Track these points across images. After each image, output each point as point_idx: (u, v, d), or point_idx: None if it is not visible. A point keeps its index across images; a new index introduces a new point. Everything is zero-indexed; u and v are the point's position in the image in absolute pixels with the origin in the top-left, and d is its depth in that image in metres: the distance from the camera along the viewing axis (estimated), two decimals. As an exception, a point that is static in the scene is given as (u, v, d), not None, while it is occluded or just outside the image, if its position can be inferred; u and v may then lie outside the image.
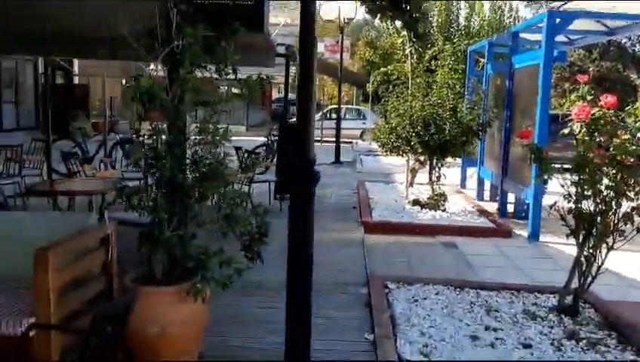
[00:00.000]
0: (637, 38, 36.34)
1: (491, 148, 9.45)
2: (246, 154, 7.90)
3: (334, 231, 7.17)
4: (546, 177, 4.27)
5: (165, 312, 2.93)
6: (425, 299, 4.65)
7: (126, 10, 2.91)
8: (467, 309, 4.44)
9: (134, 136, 3.02)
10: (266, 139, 12.62)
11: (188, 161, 3.10)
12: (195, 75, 3.19)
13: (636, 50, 36.63)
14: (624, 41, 36.19)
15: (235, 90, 3.21)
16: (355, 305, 4.57)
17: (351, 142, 21.03)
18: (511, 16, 21.72)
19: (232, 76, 3.36)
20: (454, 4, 22.22)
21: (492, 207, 9.00)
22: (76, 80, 21.94)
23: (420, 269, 5.77)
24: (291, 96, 26.84)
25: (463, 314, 4.35)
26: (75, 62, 20.76)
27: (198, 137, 3.07)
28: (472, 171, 10.81)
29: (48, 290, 2.75)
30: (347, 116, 24.27)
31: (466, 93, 8.93)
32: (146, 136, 3.00)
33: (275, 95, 32.56)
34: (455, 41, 19.38)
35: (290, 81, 12.93)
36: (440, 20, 21.66)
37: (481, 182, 10.11)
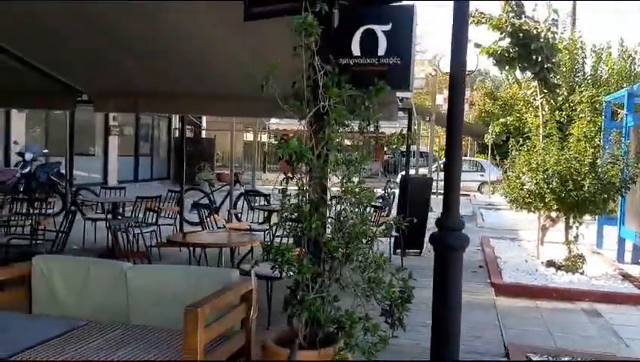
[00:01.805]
0: None
1: (634, 205, 8.61)
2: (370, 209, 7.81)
3: (463, 292, 6.79)
4: None
5: (306, 377, 2.84)
6: (575, 376, 4.19)
7: (277, 72, 2.99)
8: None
9: (281, 195, 3.04)
10: (383, 192, 12.53)
11: (332, 220, 3.07)
12: (339, 134, 3.20)
13: None
14: None
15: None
16: (497, 379, 4.22)
17: (469, 195, 20.36)
18: (642, 63, 20.22)
19: (372, 133, 3.34)
20: (579, 53, 21.17)
21: (636, 270, 8.12)
22: (203, 134, 23.51)
23: (563, 339, 5.25)
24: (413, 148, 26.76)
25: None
26: (204, 117, 22.31)
27: (343, 196, 3.03)
28: (609, 230, 9.90)
29: (196, 348, 2.78)
30: (464, 168, 23.64)
31: (605, 146, 8.30)
32: (292, 195, 3.02)
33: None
34: (582, 90, 18.33)
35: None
36: (565, 70, 20.67)
37: (622, 243, 9.20)
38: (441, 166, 22.48)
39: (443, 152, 19.49)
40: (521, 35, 8.23)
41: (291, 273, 2.89)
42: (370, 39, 3.28)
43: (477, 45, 8.71)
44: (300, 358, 2.88)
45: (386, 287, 2.95)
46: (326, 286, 2.97)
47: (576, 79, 20.45)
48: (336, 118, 3.11)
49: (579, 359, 4.49)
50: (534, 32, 8.17)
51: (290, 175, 2.96)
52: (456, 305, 2.98)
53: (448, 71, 11.33)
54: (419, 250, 9.03)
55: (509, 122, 22.09)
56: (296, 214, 2.99)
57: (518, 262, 8.36)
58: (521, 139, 8.38)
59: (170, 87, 7.05)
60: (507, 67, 8.47)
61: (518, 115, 21.91)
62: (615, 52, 21.50)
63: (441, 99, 17.54)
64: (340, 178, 3.20)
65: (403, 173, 12.41)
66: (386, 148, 31.94)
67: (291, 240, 3.23)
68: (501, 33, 8.32)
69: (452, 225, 3.02)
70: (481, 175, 22.22)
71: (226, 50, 5.48)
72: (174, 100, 7.57)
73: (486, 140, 23.32)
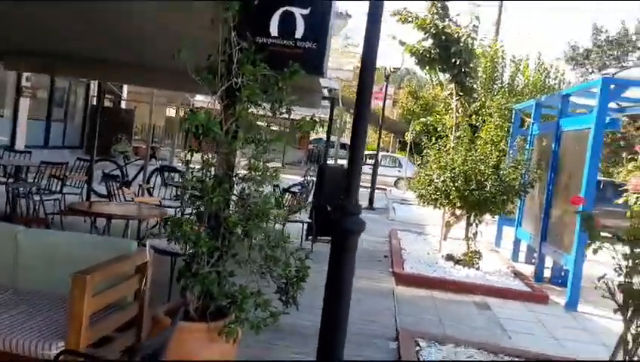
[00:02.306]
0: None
1: (531, 209, 9.24)
2: (284, 193, 7.88)
3: (364, 279, 7.02)
4: (595, 247, 4.10)
5: (194, 349, 2.86)
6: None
7: (190, 43, 2.95)
8: (501, 377, 4.24)
9: (185, 167, 3.02)
10: (302, 179, 12.64)
11: (234, 197, 3.08)
12: (250, 112, 3.21)
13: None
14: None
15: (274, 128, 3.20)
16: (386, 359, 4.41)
17: (385, 189, 20.95)
18: (556, 77, 21.60)
19: (285, 116, 3.38)
20: (500, 61, 22.24)
21: (528, 269, 8.72)
22: (123, 104, 22.60)
23: (452, 328, 5.57)
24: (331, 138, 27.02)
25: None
26: (125, 87, 21.44)
27: (247, 174, 3.05)
28: (508, 231, 10.56)
29: (82, 315, 2.72)
30: (383, 163, 24.25)
31: (510, 151, 8.80)
32: (195, 169, 3.00)
33: (312, 135, 32.90)
34: (498, 98, 19.30)
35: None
36: (485, 77, 21.66)
37: (517, 243, 9.85)
38: (365, 159, 23.03)
39: (369, 146, 19.67)
40: (443, 37, 8.54)
41: (188, 246, 2.88)
42: (288, 21, 3.31)
43: (402, 43, 8.95)
44: (189, 330, 2.89)
45: (282, 266, 3.01)
46: (223, 261, 2.99)
47: (495, 86, 21.50)
48: (249, 95, 3.12)
49: (462, 346, 4.78)
50: (455, 35, 8.50)
51: (194, 148, 2.94)
52: (348, 289, 3.09)
53: (375, 66, 11.47)
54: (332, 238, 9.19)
55: (428, 122, 22.86)
56: (199, 188, 2.98)
57: (420, 255, 8.73)
58: (433, 138, 8.72)
59: (89, 52, 6.70)
60: (427, 67, 8.77)
61: (438, 115, 22.75)
62: (532, 64, 22.77)
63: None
64: (248, 156, 3.22)
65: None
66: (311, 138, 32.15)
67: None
68: (425, 34, 8.60)
69: (350, 209, 3.12)
70: (399, 171, 22.93)
71: (149, 16, 5.30)
72: (93, 65, 7.20)
73: (406, 138, 24.06)
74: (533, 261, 8.75)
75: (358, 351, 4.48)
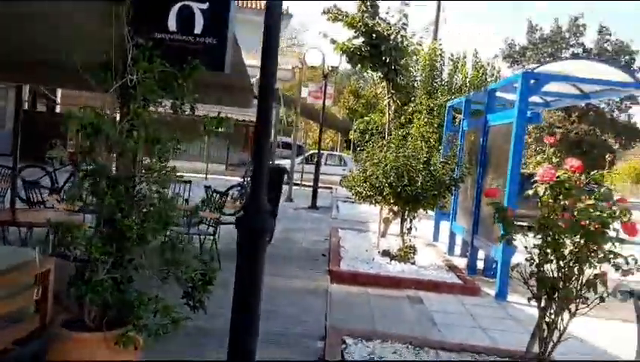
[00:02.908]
0: (615, 104, 37.48)
1: (464, 203, 9.42)
2: (216, 195, 7.74)
3: (299, 279, 6.99)
4: (509, 237, 4.18)
5: (90, 360, 2.72)
6: (382, 358, 4.45)
7: (82, 39, 2.81)
8: (424, 371, 4.26)
9: (77, 170, 2.86)
10: (242, 180, 12.50)
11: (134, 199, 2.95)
12: (147, 110, 3.08)
13: (614, 115, 37.71)
14: (602, 106, 37.32)
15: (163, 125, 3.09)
16: (309, 360, 4.36)
17: (331, 188, 21.00)
18: (492, 75, 22.20)
19: (189, 113, 3.27)
20: (438, 60, 22.70)
21: (462, 262, 8.88)
22: (58, 108, 21.79)
23: (383, 324, 5.58)
24: (280, 138, 26.93)
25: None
26: (59, 91, 20.65)
27: (142, 175, 2.92)
28: (445, 225, 10.75)
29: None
30: (329, 162, 24.34)
31: (441, 147, 8.95)
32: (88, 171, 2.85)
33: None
34: (438, 96, 19.69)
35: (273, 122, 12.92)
36: (424, 75, 22.05)
37: (452, 237, 10.03)
38: (310, 158, 23.06)
39: (316, 145, 19.48)
40: (373, 35, 8.59)
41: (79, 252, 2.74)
42: (187, 16, 3.20)
43: (332, 41, 8.95)
44: (85, 340, 2.74)
45: (187, 269, 2.90)
46: (122, 267, 2.86)
47: (434, 85, 21.92)
48: (145, 93, 3.00)
49: (389, 341, 4.79)
50: (385, 33, 8.57)
51: (77, 150, 2.79)
52: (256, 289, 3.01)
53: (313, 64, 11.53)
54: (269, 239, 9.12)
55: (371, 120, 23.11)
56: (92, 191, 2.83)
57: (359, 252, 8.75)
58: (367, 135, 8.77)
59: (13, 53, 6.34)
60: (359, 65, 8.79)
61: (381, 113, 23.03)
62: (470, 63, 23.33)
63: (305, 92, 17.93)
64: (152, 157, 3.09)
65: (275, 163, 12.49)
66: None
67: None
68: (355, 32, 8.62)
69: (257, 208, 3.04)
70: (344, 169, 23.03)
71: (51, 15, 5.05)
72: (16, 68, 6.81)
73: (350, 136, 24.23)
74: (467, 254, 8.91)
75: (281, 352, 4.42)
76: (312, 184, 15.67)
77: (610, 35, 37.18)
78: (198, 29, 3.19)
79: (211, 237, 7.15)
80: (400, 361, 4.40)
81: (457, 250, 9.92)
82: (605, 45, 36.84)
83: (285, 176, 10.69)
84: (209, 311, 3.52)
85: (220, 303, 3.30)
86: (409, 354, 4.56)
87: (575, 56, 32.43)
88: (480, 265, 8.50)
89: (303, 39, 41.05)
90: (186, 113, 3.26)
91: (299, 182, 19.66)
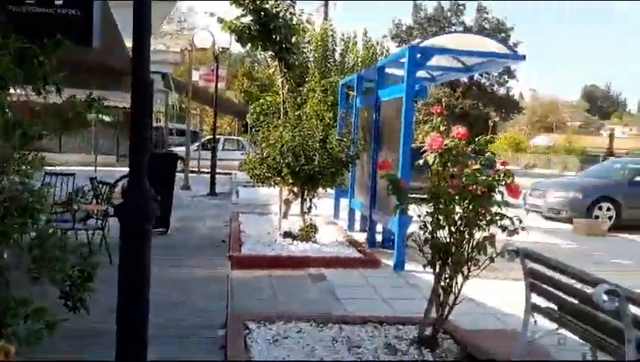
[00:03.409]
0: (495, 79, 40.06)
1: (361, 179, 9.58)
2: (103, 186, 7.24)
3: (198, 268, 6.75)
4: (403, 207, 4.25)
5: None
6: (286, 338, 4.39)
7: None
8: (329, 347, 4.24)
9: None
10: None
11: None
12: (6, 92, 2.74)
13: (494, 89, 40.32)
14: (483, 81, 39.74)
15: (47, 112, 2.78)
16: (210, 350, 4.20)
17: (230, 174, 20.62)
18: (382, 53, 22.79)
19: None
20: (330, 40, 22.90)
21: (362, 237, 9.05)
22: None
23: (286, 305, 5.52)
24: (174, 125, 25.96)
25: (324, 352, 4.14)
26: None
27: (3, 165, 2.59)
28: (344, 202, 10.90)
29: None
30: (227, 146, 23.88)
31: (337, 125, 9.00)
32: None
33: (154, 124, 31.39)
34: (331, 75, 19.86)
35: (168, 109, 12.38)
36: (317, 55, 22.16)
37: (352, 213, 10.20)
38: (207, 143, 22.44)
39: (210, 130, 18.97)
40: (262, 13, 8.39)
41: None
42: (44, -15, 2.86)
43: (220, 20, 8.65)
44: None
45: (62, 266, 2.62)
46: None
47: (328, 65, 22.12)
48: (0, 72, 2.65)
49: (293, 321, 4.73)
50: (274, 11, 8.40)
51: None
52: (145, 281, 2.80)
53: (203, 46, 11.10)
54: (165, 229, 8.75)
55: (268, 102, 22.92)
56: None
57: (260, 235, 8.63)
58: (262, 116, 8.62)
59: None
60: (249, 44, 8.58)
61: (277, 94, 22.87)
62: (360, 42, 23.76)
63: (196, 75, 17.34)
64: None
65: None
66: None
67: None
68: (243, 10, 8.38)
69: (138, 195, 2.82)
70: (242, 153, 22.70)
71: None
72: None
73: (248, 119, 23.88)
74: (367, 229, 9.09)
75: (181, 345, 4.23)
76: (209, 170, 15.27)
77: (487, 13, 39.54)
78: (59, 0, 2.86)
79: (101, 232, 6.71)
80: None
81: (357, 225, 10.11)
82: (484, 23, 39.11)
83: (180, 163, 10.29)
84: (100, 310, 3.27)
85: (113, 300, 3.05)
86: (313, 331, 4.54)
87: (459, 31, 34.14)
88: (379, 238, 8.71)
89: (194, 22, 39.72)
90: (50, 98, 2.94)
91: (196, 169, 19.11)
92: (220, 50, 13.68)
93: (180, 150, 17.35)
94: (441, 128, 4.21)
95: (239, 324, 4.58)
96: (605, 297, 2.83)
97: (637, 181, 12.80)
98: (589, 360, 3.48)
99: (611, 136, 63.78)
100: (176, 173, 9.44)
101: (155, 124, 30.53)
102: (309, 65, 21.21)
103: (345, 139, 8.32)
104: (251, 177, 8.68)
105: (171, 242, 8.20)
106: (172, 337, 4.36)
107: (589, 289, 3.10)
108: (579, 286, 3.33)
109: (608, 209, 12.41)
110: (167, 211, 8.76)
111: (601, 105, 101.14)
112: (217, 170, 15.94)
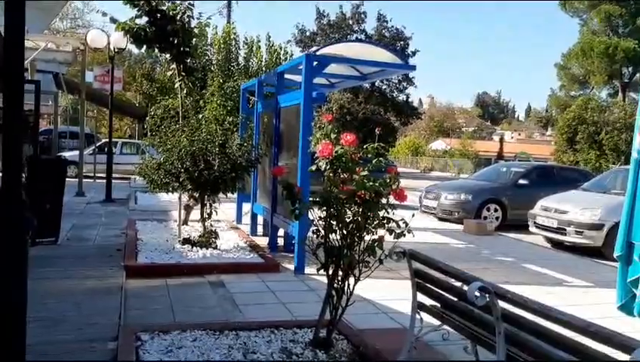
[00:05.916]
0: (395, 86, 41.62)
1: (263, 183, 9.61)
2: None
3: (91, 279, 6.45)
4: (297, 212, 4.33)
5: None
6: (180, 347, 4.31)
7: None
8: (224, 355, 4.22)
9: None
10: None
11: None
12: None
13: (394, 95, 41.90)
14: (384, 87, 41.18)
15: None
16: (99, 365, 4.04)
17: (129, 179, 19.82)
18: (286, 58, 23.00)
19: None
20: (234, 43, 22.76)
21: (265, 241, 9.07)
22: None
23: (183, 314, 5.42)
24: (68, 128, 24.48)
25: (219, 359, 4.12)
26: None
27: None
28: (247, 207, 10.86)
29: None
30: (124, 150, 22.93)
31: (238, 130, 8.96)
32: None
33: (44, 126, 29.48)
34: (235, 79, 19.73)
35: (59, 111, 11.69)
36: (219, 58, 21.93)
37: (254, 218, 10.19)
38: (103, 147, 21.39)
39: (107, 134, 18.03)
40: (158, 15, 8.18)
41: None
42: None
43: (113, 20, 8.32)
44: None
45: None
46: None
47: (231, 68, 21.96)
48: None
49: (188, 330, 4.66)
50: (171, 14, 8.22)
51: None
52: (22, 292, 2.65)
53: (97, 46, 10.57)
54: (54, 239, 8.26)
55: (170, 105, 22.34)
56: None
57: (158, 243, 8.39)
58: (159, 120, 8.40)
59: None
60: (145, 47, 8.32)
61: (177, 97, 22.33)
62: (264, 46, 23.81)
63: (90, 77, 16.51)
64: None
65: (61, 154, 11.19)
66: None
67: None
68: (138, 10, 8.12)
69: (10, 199, 2.66)
70: (141, 158, 21.90)
71: None
72: None
73: (147, 123, 23.10)
74: (268, 233, 9.12)
75: (73, 359, 4.02)
76: (105, 175, 14.59)
77: (387, 22, 41.00)
78: None
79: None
80: None
81: (260, 229, 10.11)
82: (384, 32, 40.52)
83: (71, 168, 9.75)
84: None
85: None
86: (209, 340, 4.49)
87: (356, 40, 35.14)
88: (281, 242, 8.76)
89: (91, 19, 37.81)
90: None
91: (91, 174, 18.20)
92: (116, 50, 13.13)
93: (73, 154, 16.47)
94: (332, 136, 4.34)
95: (131, 336, 4.44)
96: (477, 293, 3.05)
97: (521, 184, 13.86)
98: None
99: (501, 141, 68.58)
100: (67, 179, 8.95)
101: (46, 127, 28.79)
102: (212, 69, 20.93)
103: (245, 144, 8.30)
104: (147, 183, 8.42)
105: (61, 252, 7.77)
106: (58, 353, 4.15)
107: (465, 287, 3.33)
108: (458, 284, 3.57)
109: (495, 210, 13.33)
110: (57, 219, 8.30)
111: (492, 112, 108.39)
112: (114, 175, 15.28)
